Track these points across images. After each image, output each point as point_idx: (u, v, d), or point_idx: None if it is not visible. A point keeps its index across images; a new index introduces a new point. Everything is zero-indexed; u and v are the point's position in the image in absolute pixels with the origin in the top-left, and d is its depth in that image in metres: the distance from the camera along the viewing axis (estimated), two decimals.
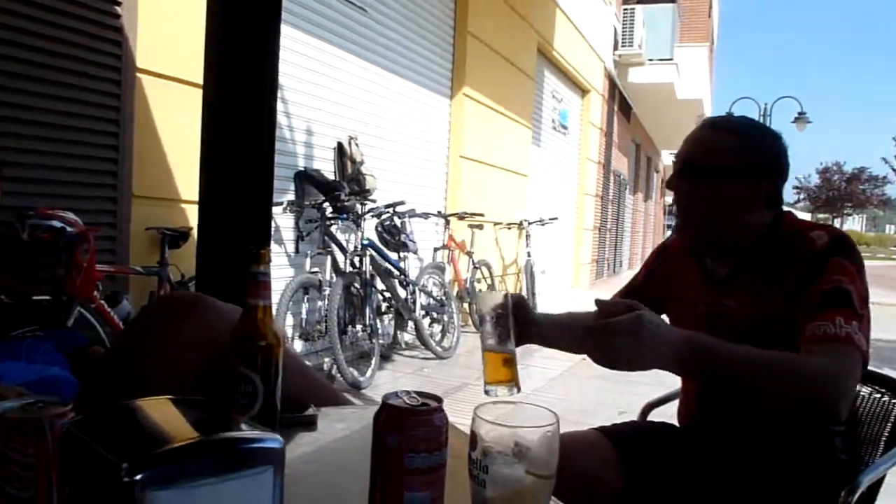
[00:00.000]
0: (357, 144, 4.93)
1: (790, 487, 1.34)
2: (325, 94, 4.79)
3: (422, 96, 6.09)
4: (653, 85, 13.52)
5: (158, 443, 0.52)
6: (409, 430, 0.66)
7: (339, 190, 4.45)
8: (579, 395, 4.54)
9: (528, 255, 7.54)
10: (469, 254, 6.48)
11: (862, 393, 1.74)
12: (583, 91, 11.37)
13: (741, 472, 1.42)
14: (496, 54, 7.21)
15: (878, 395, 1.72)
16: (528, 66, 8.30)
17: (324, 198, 4.39)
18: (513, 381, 1.39)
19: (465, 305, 6.43)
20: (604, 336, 1.14)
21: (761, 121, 19.41)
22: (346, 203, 4.41)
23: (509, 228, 7.78)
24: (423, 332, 5.23)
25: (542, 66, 9.23)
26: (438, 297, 5.61)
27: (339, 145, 4.87)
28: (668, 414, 1.71)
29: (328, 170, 4.81)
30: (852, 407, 1.54)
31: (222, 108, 1.89)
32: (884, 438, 1.66)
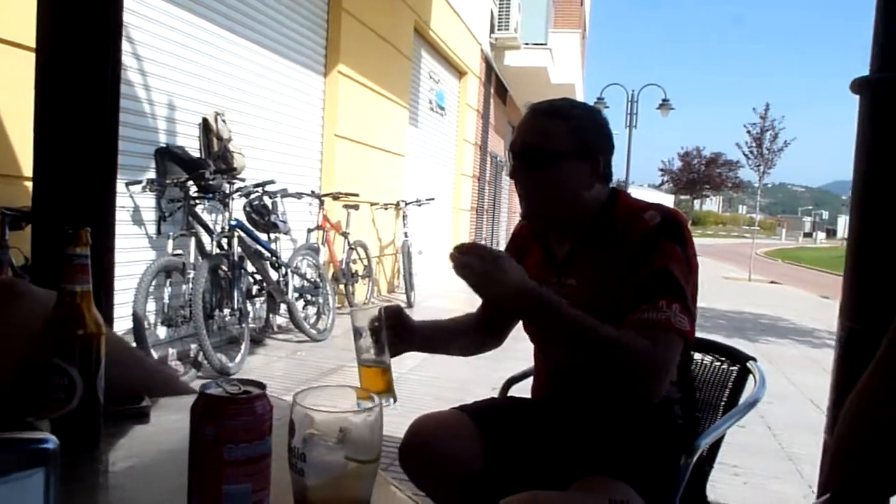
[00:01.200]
0: (224, 121, 4.72)
1: (635, 454, 1.41)
2: (189, 68, 4.54)
3: (294, 72, 5.91)
4: (528, 69, 13.84)
5: None
6: (227, 420, 0.62)
7: (204, 168, 4.24)
8: (455, 373, 4.61)
9: (405, 236, 7.55)
10: (345, 234, 6.40)
11: (704, 361, 1.87)
12: (460, 73, 11.47)
13: (588, 442, 1.48)
14: (372, 32, 7.12)
15: (718, 363, 1.84)
16: (405, 46, 8.25)
17: (187, 176, 4.17)
18: (389, 392, 1.43)
19: (342, 287, 6.36)
20: (469, 252, 1.28)
21: (629, 107, 20.35)
22: (211, 182, 4.22)
23: (386, 209, 7.75)
24: (297, 315, 5.12)
25: (420, 47, 9.21)
26: (313, 279, 5.51)
27: (205, 121, 4.64)
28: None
29: (193, 147, 4.57)
30: (689, 375, 1.64)
31: (58, 74, 1.73)
32: (722, 403, 1.79)
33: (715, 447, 1.67)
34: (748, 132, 17.02)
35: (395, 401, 1.43)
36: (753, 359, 1.75)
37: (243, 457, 0.62)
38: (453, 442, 1.45)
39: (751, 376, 1.72)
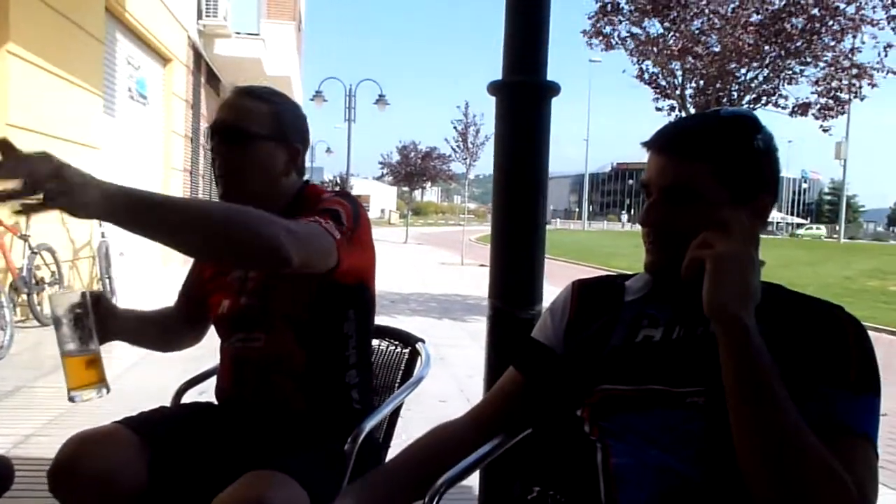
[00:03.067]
0: None
1: (301, 444, 1.44)
2: None
3: None
4: (241, 59, 13.41)
5: None
6: None
7: None
8: (156, 382, 4.32)
9: (103, 236, 6.89)
10: (24, 238, 5.65)
11: (381, 347, 1.98)
12: (164, 59, 10.73)
13: (259, 438, 1.50)
14: (50, 9, 6.33)
15: (392, 347, 1.97)
16: (95, 27, 7.48)
17: None
18: (101, 382, 1.38)
19: (23, 297, 5.61)
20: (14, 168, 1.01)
21: (347, 101, 20.73)
22: None
23: None
24: None
25: (114, 29, 8.44)
26: None
27: None
28: (209, 394, 1.69)
29: None
30: (368, 359, 1.73)
31: None
32: (396, 384, 1.92)
33: (390, 429, 1.78)
34: (454, 128, 18.39)
35: (108, 391, 1.39)
36: (422, 340, 1.90)
37: None
38: (111, 458, 1.35)
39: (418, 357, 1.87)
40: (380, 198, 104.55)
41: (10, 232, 5.46)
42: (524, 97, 1.75)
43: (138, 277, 8.87)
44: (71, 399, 1.38)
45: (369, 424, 1.55)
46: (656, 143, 1.08)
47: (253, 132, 1.46)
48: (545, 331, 1.25)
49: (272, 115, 1.49)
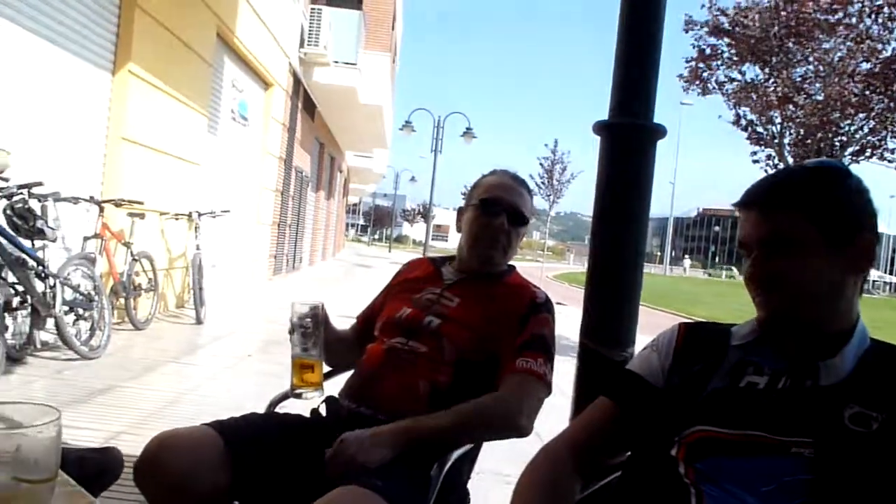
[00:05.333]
0: None
1: (405, 462, 1.48)
2: None
3: (74, 67, 5.44)
4: (337, 87, 13.86)
5: None
6: None
7: None
8: (236, 392, 4.46)
9: (198, 248, 7.20)
10: (127, 245, 5.97)
11: None
12: (266, 84, 11.22)
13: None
14: (169, 33, 6.76)
15: None
16: (206, 51, 7.93)
17: None
18: (319, 385, 1.59)
19: (121, 301, 5.92)
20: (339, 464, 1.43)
21: (435, 132, 21.05)
22: None
23: (177, 219, 7.34)
24: (65, 331, 4.67)
25: (223, 53, 8.90)
26: (86, 292, 5.06)
27: None
28: (302, 406, 1.73)
29: None
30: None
31: None
32: None
33: (473, 455, 1.79)
34: (541, 164, 18.40)
35: (321, 394, 1.60)
36: None
37: None
38: (194, 458, 1.41)
39: None
40: None
41: (115, 238, 5.78)
42: (630, 138, 1.75)
43: (231, 287, 9.22)
44: (295, 396, 1.60)
45: (457, 452, 1.57)
46: (748, 200, 1.11)
47: (526, 217, 1.81)
48: (645, 365, 1.24)
49: (531, 201, 1.86)
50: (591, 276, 1.84)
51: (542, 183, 18.40)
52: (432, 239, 25.52)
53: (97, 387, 4.25)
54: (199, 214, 7.46)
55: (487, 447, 1.82)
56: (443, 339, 1.68)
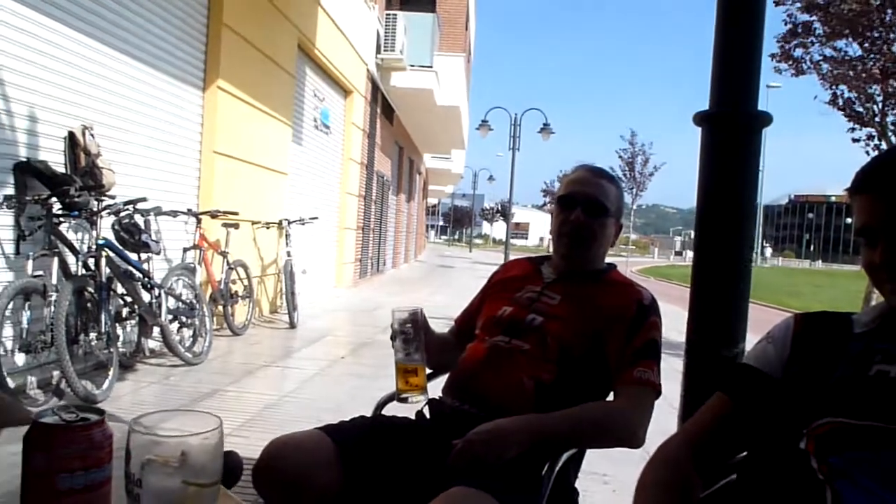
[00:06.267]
0: (93, 135, 4.49)
1: (516, 462, 1.47)
2: (54, 79, 4.30)
3: (170, 86, 5.72)
4: (414, 90, 14.01)
5: None
6: (60, 449, 0.62)
7: (69, 184, 4.01)
8: (334, 394, 4.57)
9: (288, 255, 7.43)
10: (223, 254, 6.22)
11: None
12: (345, 91, 11.46)
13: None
14: (253, 48, 7.00)
15: None
16: (289, 63, 8.17)
17: (50, 192, 3.93)
18: (423, 389, 1.64)
19: (220, 308, 6.17)
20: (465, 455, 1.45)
21: (512, 129, 20.97)
22: (77, 199, 4.00)
23: (268, 228, 7.60)
24: (170, 338, 4.92)
25: (304, 64, 9.14)
26: (188, 301, 5.31)
27: (71, 135, 4.40)
28: (407, 408, 1.75)
29: (58, 162, 4.32)
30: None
31: None
32: None
33: (579, 455, 1.77)
34: (620, 157, 18.03)
35: (426, 397, 1.65)
36: None
37: (80, 485, 0.62)
38: (309, 462, 1.45)
39: None
40: (538, 226, 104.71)
41: (212, 248, 6.03)
42: (735, 128, 1.68)
43: (318, 292, 9.46)
44: (400, 400, 1.64)
45: (567, 454, 1.56)
46: (866, 185, 1.04)
47: (604, 206, 1.75)
48: (762, 357, 1.19)
49: (618, 195, 1.81)
50: (697, 271, 1.78)
51: (624, 175, 18.02)
52: (512, 237, 25.42)
53: (202, 391, 4.44)
54: (289, 222, 7.69)
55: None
56: (546, 336, 1.67)
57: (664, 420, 1.79)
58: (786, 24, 8.45)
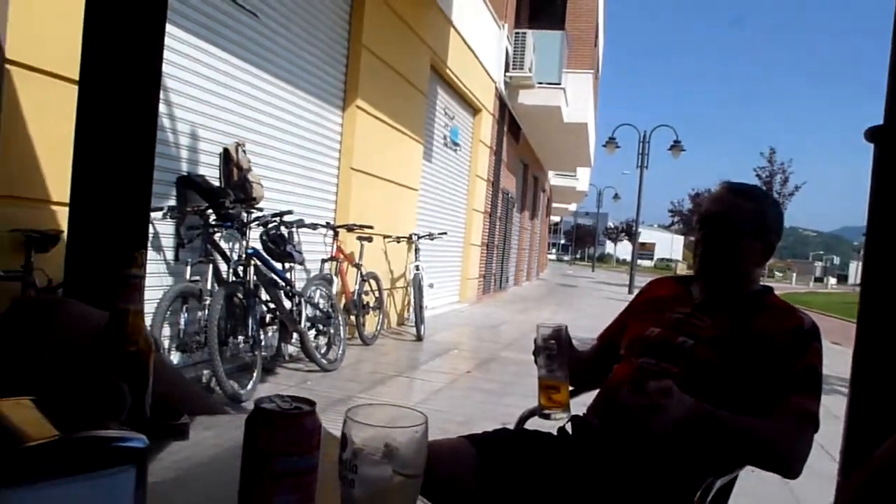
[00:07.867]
0: (244, 151, 4.83)
1: (647, 491, 1.45)
2: (212, 99, 4.67)
3: (314, 106, 6.04)
4: (541, 107, 14.00)
5: (13, 442, 0.50)
6: (280, 434, 0.66)
7: (223, 197, 4.33)
8: (461, 407, 4.61)
9: (417, 269, 7.60)
10: (357, 266, 6.46)
11: None
12: (474, 109, 11.63)
13: (604, 475, 1.51)
14: (389, 69, 7.27)
15: None
16: (421, 83, 8.41)
17: (207, 204, 4.26)
18: (564, 406, 1.60)
19: (352, 318, 6.40)
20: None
21: (640, 147, 20.46)
22: (230, 211, 4.31)
23: (398, 242, 7.82)
24: (308, 345, 5.16)
25: (435, 83, 9.38)
26: (325, 309, 5.55)
27: (226, 151, 4.75)
28: (549, 424, 1.77)
29: (213, 176, 4.68)
30: None
31: (99, 106, 1.81)
32: None
33: (727, 490, 1.69)
34: (757, 175, 17.11)
35: (568, 414, 1.61)
36: None
37: (293, 469, 0.66)
38: (455, 468, 1.47)
39: None
40: (663, 246, 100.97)
41: (347, 261, 6.29)
42: None
43: (443, 307, 9.60)
44: (543, 416, 1.61)
45: (720, 481, 1.50)
46: None
47: (736, 228, 1.65)
48: None
49: (757, 213, 1.68)
50: (865, 302, 1.65)
51: None
52: (638, 258, 24.69)
53: (336, 396, 4.62)
54: (419, 237, 7.88)
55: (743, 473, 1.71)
56: (696, 359, 1.61)
57: (816, 462, 1.67)
58: None
